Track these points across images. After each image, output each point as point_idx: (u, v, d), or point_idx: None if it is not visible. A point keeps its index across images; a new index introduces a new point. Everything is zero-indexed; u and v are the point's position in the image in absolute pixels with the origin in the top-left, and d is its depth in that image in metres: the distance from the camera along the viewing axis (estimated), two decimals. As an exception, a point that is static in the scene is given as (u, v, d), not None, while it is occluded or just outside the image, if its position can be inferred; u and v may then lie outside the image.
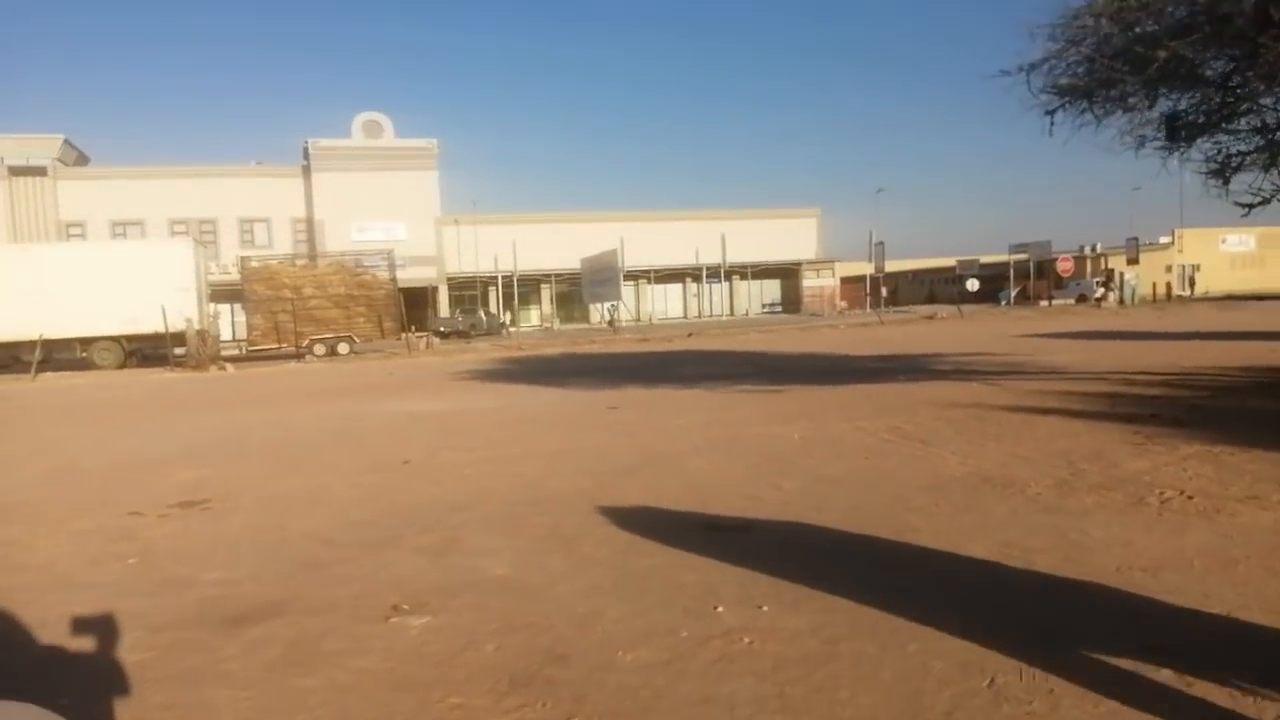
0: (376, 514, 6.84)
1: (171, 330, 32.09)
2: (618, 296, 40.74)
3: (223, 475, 9.01)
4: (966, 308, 50.54)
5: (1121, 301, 51.96)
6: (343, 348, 36.59)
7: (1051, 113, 11.81)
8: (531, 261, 65.84)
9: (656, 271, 67.72)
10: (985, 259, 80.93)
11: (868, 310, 69.68)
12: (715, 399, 13.66)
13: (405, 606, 4.56)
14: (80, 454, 11.25)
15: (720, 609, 4.28)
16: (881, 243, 73.43)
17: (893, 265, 75.75)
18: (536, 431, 11.01)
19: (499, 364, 27.03)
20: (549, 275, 68.23)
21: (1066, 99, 11.62)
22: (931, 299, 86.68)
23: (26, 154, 59.48)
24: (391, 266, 39.30)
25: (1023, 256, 67.70)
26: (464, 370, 24.58)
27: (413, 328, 40.82)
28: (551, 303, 69.59)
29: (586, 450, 9.35)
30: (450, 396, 16.89)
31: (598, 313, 66.82)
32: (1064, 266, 58.44)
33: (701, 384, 16.37)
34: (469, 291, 66.76)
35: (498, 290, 67.18)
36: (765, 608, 4.27)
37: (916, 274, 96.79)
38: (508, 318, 62.92)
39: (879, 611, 4.11)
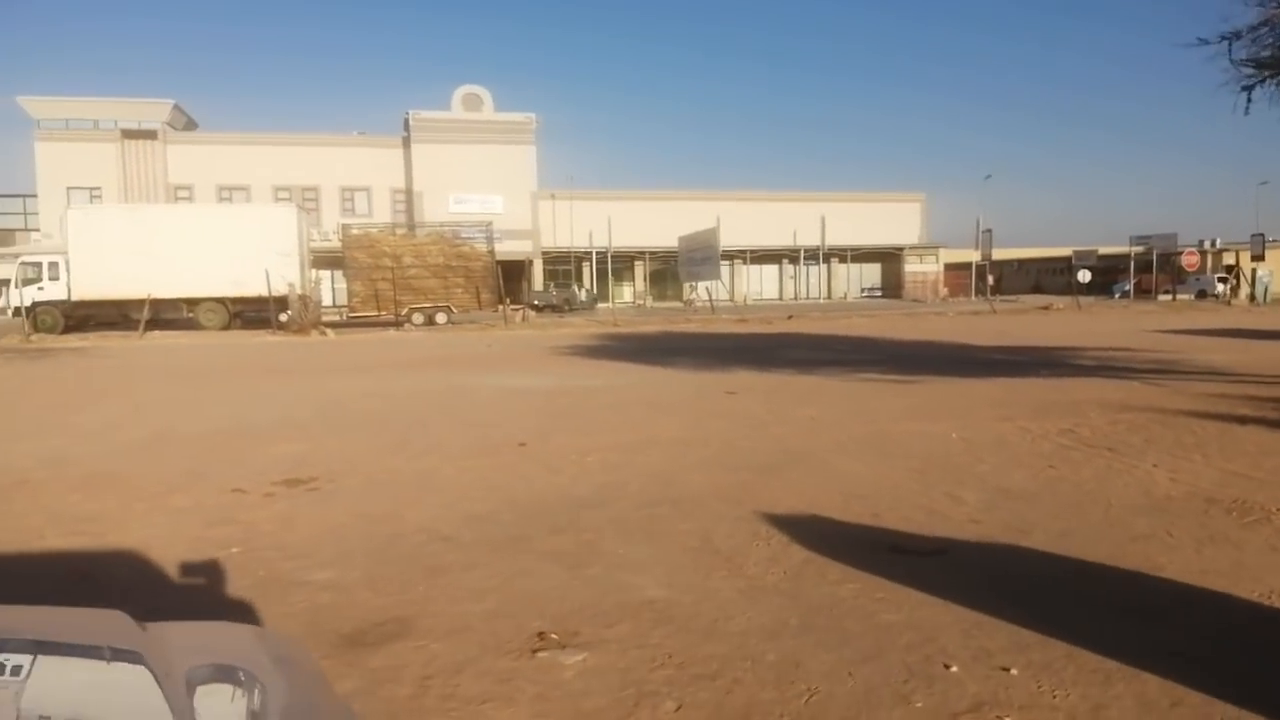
0: (497, 506, 6.09)
1: (274, 294, 32.27)
2: (716, 276, 39.68)
3: (326, 450, 8.41)
4: (1082, 300, 47.99)
5: (1253, 298, 48.72)
6: (440, 317, 36.43)
7: (1249, 88, 10.39)
8: (626, 238, 65.12)
9: (753, 252, 66.30)
10: (1100, 250, 77.51)
11: (973, 298, 67.23)
12: (841, 388, 12.64)
13: (553, 636, 3.76)
14: (180, 418, 10.85)
15: (954, 669, 3.37)
16: (989, 230, 71.15)
17: (998, 254, 72.90)
18: (653, 416, 10.18)
19: (598, 340, 26.34)
20: (643, 252, 67.43)
21: (1269, 73, 10.18)
22: (1038, 289, 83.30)
23: (138, 118, 61.03)
24: (490, 238, 39.00)
25: (1143, 249, 64.17)
26: (563, 345, 23.95)
27: (508, 300, 40.51)
28: (645, 280, 68.77)
29: (713, 441, 8.47)
30: (553, 372, 16.21)
31: (703, 291, 65.81)
32: (1189, 261, 55.20)
33: (819, 370, 15.34)
34: (563, 266, 66.42)
35: (592, 266, 66.69)
36: (1013, 670, 3.34)
37: (1022, 263, 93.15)
38: (600, 294, 62.32)
39: (1164, 681, 3.15)
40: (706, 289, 42.42)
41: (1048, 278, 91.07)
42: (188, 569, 4.83)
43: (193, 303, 34.50)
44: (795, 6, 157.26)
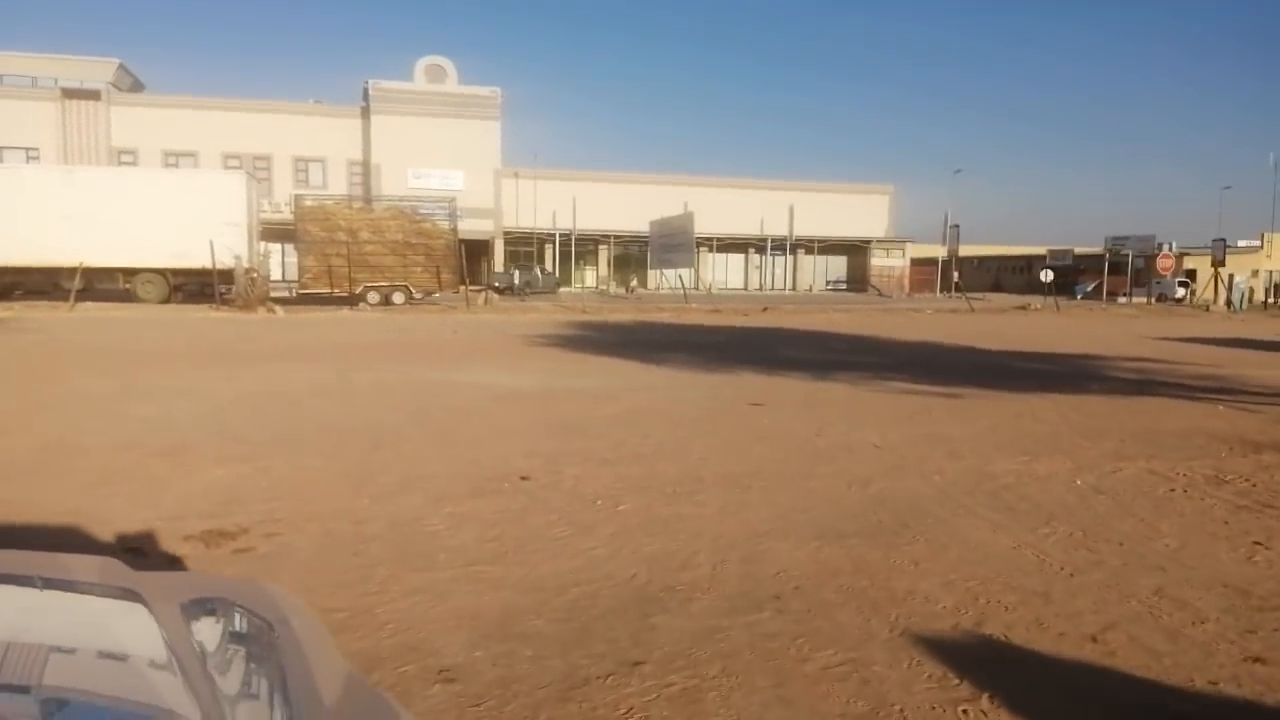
0: (517, 601, 4.15)
1: (219, 267, 29.78)
2: (690, 264, 37.83)
3: (268, 476, 6.40)
4: (1040, 300, 46.78)
5: (1229, 304, 48.04)
6: (398, 297, 34.14)
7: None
8: (590, 220, 63.02)
9: (719, 240, 64.54)
10: (1062, 249, 77.03)
11: (938, 294, 66.20)
12: (881, 403, 10.82)
13: None
14: (88, 421, 8.71)
15: None
16: (957, 225, 70.18)
17: (962, 250, 71.94)
18: (677, 436, 8.28)
19: (571, 329, 24.35)
20: (608, 236, 65.37)
21: None
22: (997, 287, 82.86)
23: (81, 76, 57.52)
24: (453, 216, 36.73)
25: (1102, 250, 63.63)
26: (534, 333, 21.93)
27: (469, 282, 38.32)
28: (609, 265, 66.66)
29: (773, 480, 6.60)
30: (534, 368, 14.24)
31: (668, 279, 63.86)
32: (1164, 264, 54.56)
33: (836, 375, 13.55)
34: (525, 248, 64.13)
35: (555, 248, 64.49)
36: None
37: (981, 260, 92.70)
38: (562, 278, 60.24)
39: None
40: (679, 276, 40.59)
41: (1007, 275, 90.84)
42: None
43: (130, 273, 31.80)
44: None
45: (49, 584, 1.41)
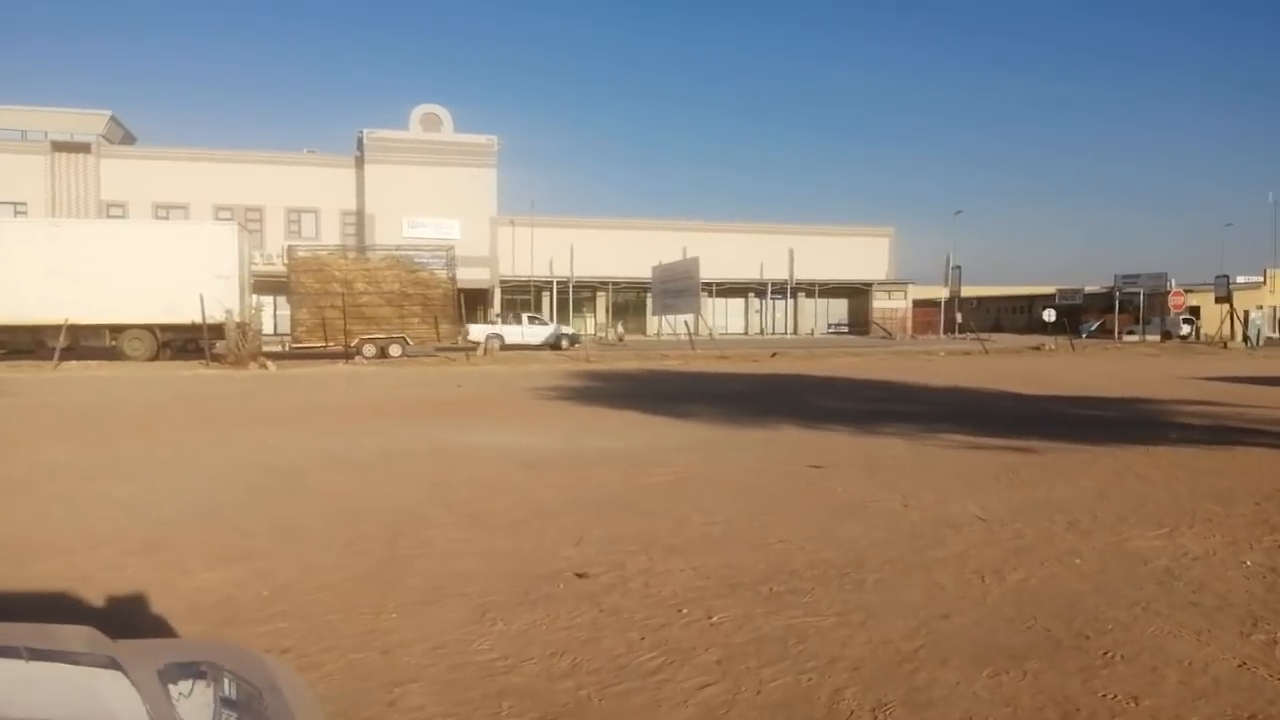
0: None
1: (210, 321, 28.64)
2: (696, 309, 36.77)
3: (269, 581, 5.22)
4: (1052, 340, 45.86)
5: (1246, 340, 47.16)
6: (394, 349, 32.99)
7: None
8: (588, 267, 62.26)
9: (719, 284, 63.72)
10: (1072, 288, 76.48)
11: (941, 335, 65.34)
12: (955, 461, 9.66)
13: None
14: (54, 507, 7.50)
15: None
16: (958, 267, 69.60)
17: (963, 291, 71.29)
18: (742, 509, 7.12)
19: (579, 379, 23.21)
20: (606, 282, 64.57)
21: None
22: (997, 327, 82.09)
23: (71, 129, 56.92)
24: (451, 264, 35.75)
25: (1107, 289, 63.03)
26: (543, 385, 20.78)
27: (468, 332, 37.23)
28: (608, 312, 65.70)
29: (878, 567, 5.44)
30: (554, 426, 13.08)
31: (668, 325, 62.92)
32: (1176, 301, 53.88)
33: (885, 428, 12.41)
34: (521, 296, 63.21)
35: (552, 296, 63.57)
36: None
37: (981, 300, 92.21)
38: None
39: None
40: (686, 323, 39.59)
41: (1008, 315, 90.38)
42: None
43: (116, 329, 30.61)
44: (766, 34, 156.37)
45: (32, 654, 1.41)
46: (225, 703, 1.41)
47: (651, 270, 43.73)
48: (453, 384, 22.04)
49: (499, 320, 46.97)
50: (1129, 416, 14.18)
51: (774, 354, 36.16)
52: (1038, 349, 41.23)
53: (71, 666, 1.43)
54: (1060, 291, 59.42)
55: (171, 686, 1.36)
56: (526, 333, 41.30)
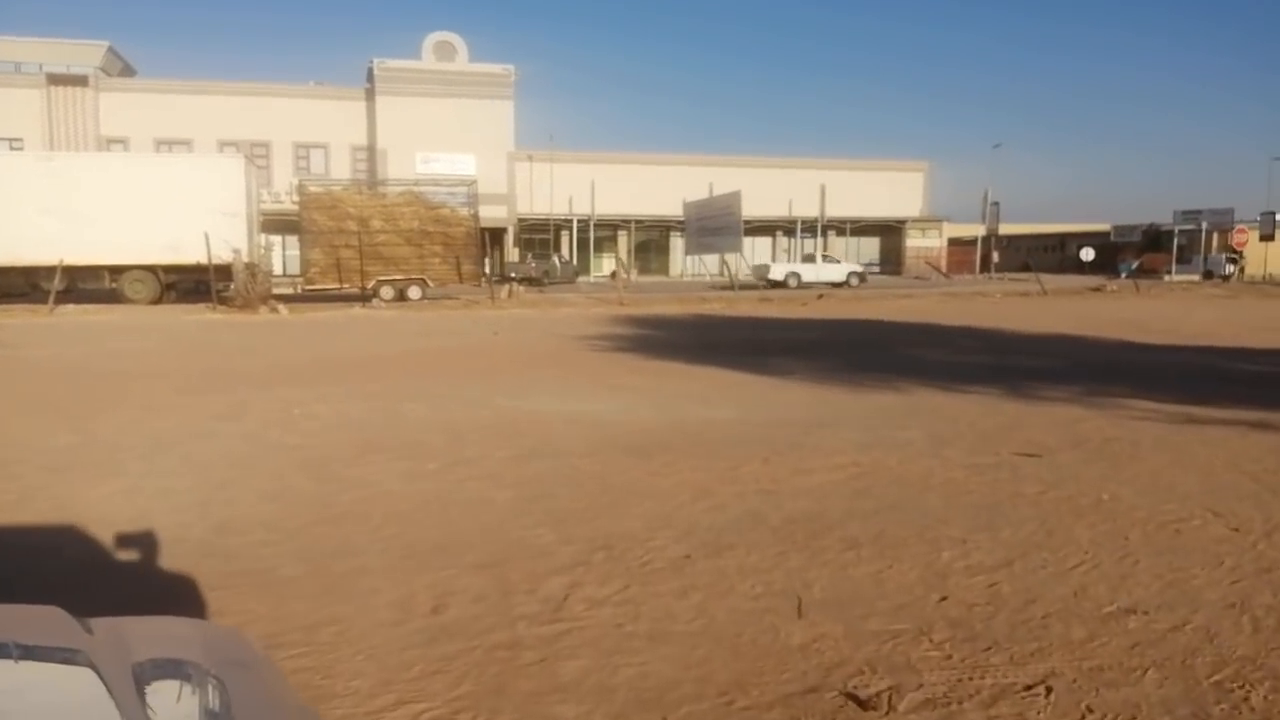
0: None
1: (216, 262, 26.35)
2: (736, 247, 34.25)
3: (325, 676, 3.00)
4: (1112, 280, 43.36)
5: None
6: (414, 291, 30.67)
7: None
8: (608, 205, 59.52)
9: (745, 223, 61.01)
10: (1092, 227, 73.56)
11: (977, 275, 62.67)
12: (1199, 443, 7.34)
13: None
14: (5, 518, 5.31)
15: None
16: (997, 203, 66.54)
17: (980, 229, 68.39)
18: (1005, 542, 4.85)
19: (623, 326, 20.89)
20: (628, 220, 61.79)
21: None
22: (1026, 267, 79.19)
23: (67, 61, 54.07)
24: (473, 201, 33.21)
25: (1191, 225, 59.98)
26: (587, 334, 18.46)
27: (490, 273, 34.88)
28: (629, 251, 62.97)
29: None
30: (625, 385, 10.83)
31: (693, 265, 60.39)
32: (1239, 239, 51.05)
33: (1038, 390, 10.12)
34: (539, 235, 60.58)
35: (572, 235, 60.91)
36: None
37: (1011, 239, 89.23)
38: (580, 266, 56.76)
39: None
40: (727, 261, 37.12)
41: (1037, 255, 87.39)
42: None
43: (117, 270, 28.35)
44: None
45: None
46: (194, 700, 1.29)
47: (684, 206, 41.05)
48: (485, 330, 19.78)
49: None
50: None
51: (820, 295, 33.75)
52: (1098, 290, 38.69)
53: (36, 664, 1.27)
54: (1115, 229, 56.35)
55: (147, 688, 1.24)
56: (822, 271, 41.61)
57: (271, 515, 5.35)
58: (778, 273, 38.62)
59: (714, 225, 35.21)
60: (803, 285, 38.85)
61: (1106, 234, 73.50)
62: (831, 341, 17.02)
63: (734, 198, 32.83)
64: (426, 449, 7.25)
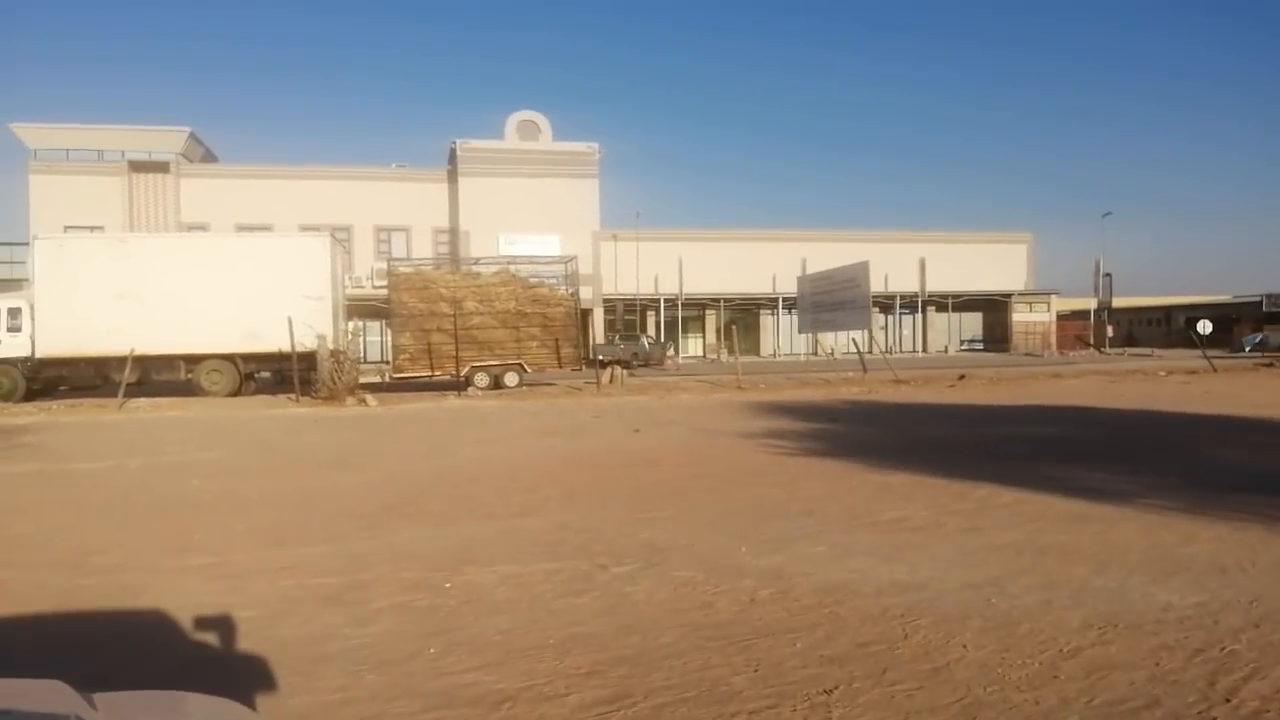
0: None
1: (299, 349, 23.66)
2: (865, 324, 30.72)
3: None
4: (1220, 357, 38.73)
5: None
6: (510, 378, 27.67)
7: None
8: (695, 284, 56.73)
9: (841, 299, 57.48)
10: (1200, 299, 68.68)
11: (1095, 352, 58.06)
12: None
13: None
14: None
15: None
16: (1109, 274, 62.24)
17: (1085, 303, 63.91)
18: None
19: (771, 417, 17.40)
20: (716, 299, 58.82)
21: None
22: (1130, 341, 74.08)
23: (149, 148, 53.54)
24: (573, 279, 30.38)
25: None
26: (744, 429, 15.02)
27: (595, 358, 31.82)
28: (718, 331, 59.81)
29: None
30: (897, 519, 7.36)
31: (786, 344, 57.04)
32: None
33: None
34: (626, 315, 57.88)
35: (659, 313, 58.08)
36: None
37: (1111, 313, 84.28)
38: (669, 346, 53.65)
39: None
40: (855, 341, 33.63)
41: (1141, 329, 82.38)
42: None
43: (192, 360, 25.85)
44: (886, 27, 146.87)
45: None
46: None
47: (798, 281, 37.79)
48: (612, 424, 16.44)
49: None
50: None
51: (961, 376, 29.93)
52: (1269, 365, 34.21)
53: None
54: (1268, 297, 51.64)
55: None
56: None
57: None
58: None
59: (835, 300, 31.78)
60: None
61: (1214, 305, 68.56)
62: (1086, 439, 13.32)
63: (861, 269, 29.42)
64: (728, 691, 3.79)
